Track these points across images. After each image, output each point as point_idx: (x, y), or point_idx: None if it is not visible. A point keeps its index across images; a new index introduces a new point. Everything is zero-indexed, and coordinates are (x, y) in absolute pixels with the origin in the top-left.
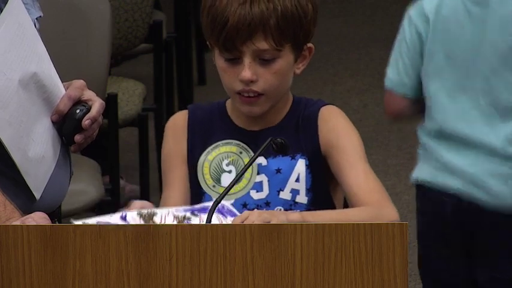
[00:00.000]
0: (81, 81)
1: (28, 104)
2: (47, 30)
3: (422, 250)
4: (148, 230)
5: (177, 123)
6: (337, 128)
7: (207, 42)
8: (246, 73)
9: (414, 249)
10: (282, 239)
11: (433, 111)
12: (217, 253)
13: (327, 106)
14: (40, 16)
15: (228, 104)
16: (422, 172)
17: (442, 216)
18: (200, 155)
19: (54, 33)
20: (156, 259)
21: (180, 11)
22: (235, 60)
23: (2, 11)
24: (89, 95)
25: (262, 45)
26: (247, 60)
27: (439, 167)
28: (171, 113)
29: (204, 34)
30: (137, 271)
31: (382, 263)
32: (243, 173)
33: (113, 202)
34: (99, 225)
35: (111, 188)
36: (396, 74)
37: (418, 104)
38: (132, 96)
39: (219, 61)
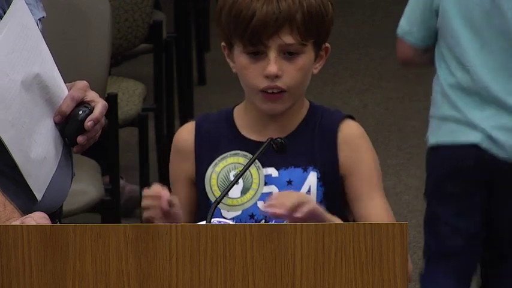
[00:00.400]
0: (84, 82)
1: (31, 105)
2: (47, 30)
3: (435, 202)
4: (148, 230)
5: (184, 141)
6: (358, 152)
7: (222, 44)
8: (272, 67)
9: (414, 249)
10: (282, 239)
11: (453, 67)
12: (217, 253)
13: (347, 122)
14: (43, 17)
15: (236, 113)
16: (440, 134)
17: (464, 168)
18: (208, 166)
19: (54, 33)
20: (156, 259)
21: (180, 11)
22: (258, 55)
23: (5, 13)
24: (91, 96)
25: (288, 39)
26: (272, 54)
27: (461, 121)
28: (171, 113)
29: (223, 33)
30: (137, 271)
31: (382, 263)
32: (242, 173)
33: (112, 202)
34: (99, 225)
35: (111, 188)
36: (406, 24)
37: (430, 54)
38: (132, 96)
39: (241, 58)
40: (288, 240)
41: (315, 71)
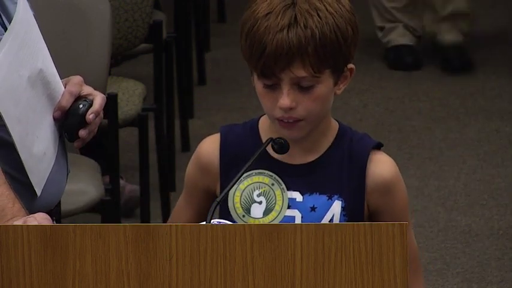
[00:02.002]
0: (79, 77)
1: (34, 101)
2: (46, 30)
3: None
4: (148, 230)
5: (208, 155)
6: (389, 196)
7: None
8: (285, 101)
9: None
10: (282, 239)
11: None
12: (217, 253)
13: (378, 156)
14: (33, 14)
15: (261, 128)
16: None
17: None
18: (232, 180)
19: (54, 33)
20: (156, 259)
21: (180, 11)
22: (273, 86)
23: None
24: (87, 90)
25: (300, 72)
26: (285, 87)
27: None
28: (171, 113)
29: (243, 57)
30: (137, 271)
31: (382, 263)
32: (243, 173)
33: (112, 202)
34: (99, 225)
35: (111, 188)
36: None
37: None
38: (132, 96)
39: (258, 86)
40: (288, 240)
41: (339, 92)
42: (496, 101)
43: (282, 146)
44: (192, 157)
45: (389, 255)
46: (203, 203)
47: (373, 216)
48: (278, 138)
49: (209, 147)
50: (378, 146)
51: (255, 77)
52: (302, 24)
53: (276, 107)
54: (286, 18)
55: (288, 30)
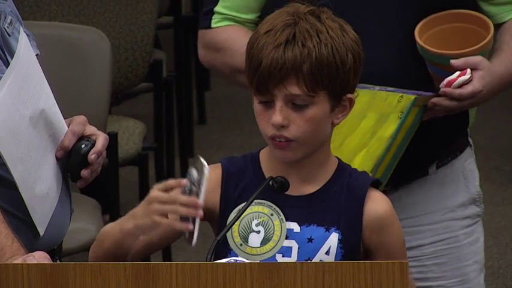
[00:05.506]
0: (83, 116)
1: (37, 141)
2: (47, 68)
3: None
4: (149, 268)
5: (212, 177)
6: (383, 235)
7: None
8: (277, 117)
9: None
10: (282, 277)
11: None
12: None
13: (375, 194)
14: (38, 54)
15: (262, 159)
16: None
17: None
18: (231, 210)
19: (54, 71)
20: None
21: (180, 49)
22: (268, 104)
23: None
24: (91, 130)
25: (294, 89)
26: (278, 104)
27: None
28: (171, 152)
29: (247, 78)
30: None
31: None
32: (243, 212)
33: None
34: (100, 263)
35: None
36: None
37: None
38: (132, 135)
39: (255, 105)
40: (288, 278)
41: (336, 121)
42: (496, 139)
43: (281, 184)
44: None
45: None
46: None
47: (368, 254)
48: (278, 176)
49: (212, 172)
50: (376, 184)
51: (254, 96)
52: (300, 43)
53: (269, 125)
54: (284, 35)
55: (284, 47)
